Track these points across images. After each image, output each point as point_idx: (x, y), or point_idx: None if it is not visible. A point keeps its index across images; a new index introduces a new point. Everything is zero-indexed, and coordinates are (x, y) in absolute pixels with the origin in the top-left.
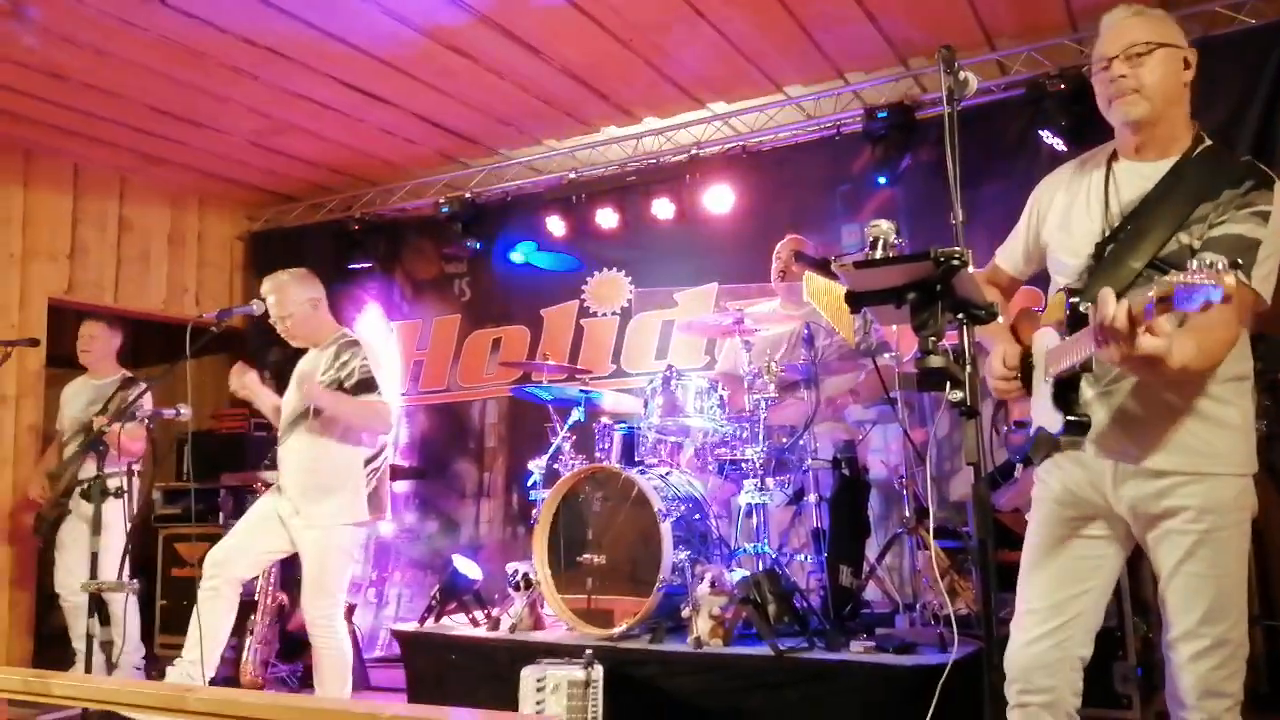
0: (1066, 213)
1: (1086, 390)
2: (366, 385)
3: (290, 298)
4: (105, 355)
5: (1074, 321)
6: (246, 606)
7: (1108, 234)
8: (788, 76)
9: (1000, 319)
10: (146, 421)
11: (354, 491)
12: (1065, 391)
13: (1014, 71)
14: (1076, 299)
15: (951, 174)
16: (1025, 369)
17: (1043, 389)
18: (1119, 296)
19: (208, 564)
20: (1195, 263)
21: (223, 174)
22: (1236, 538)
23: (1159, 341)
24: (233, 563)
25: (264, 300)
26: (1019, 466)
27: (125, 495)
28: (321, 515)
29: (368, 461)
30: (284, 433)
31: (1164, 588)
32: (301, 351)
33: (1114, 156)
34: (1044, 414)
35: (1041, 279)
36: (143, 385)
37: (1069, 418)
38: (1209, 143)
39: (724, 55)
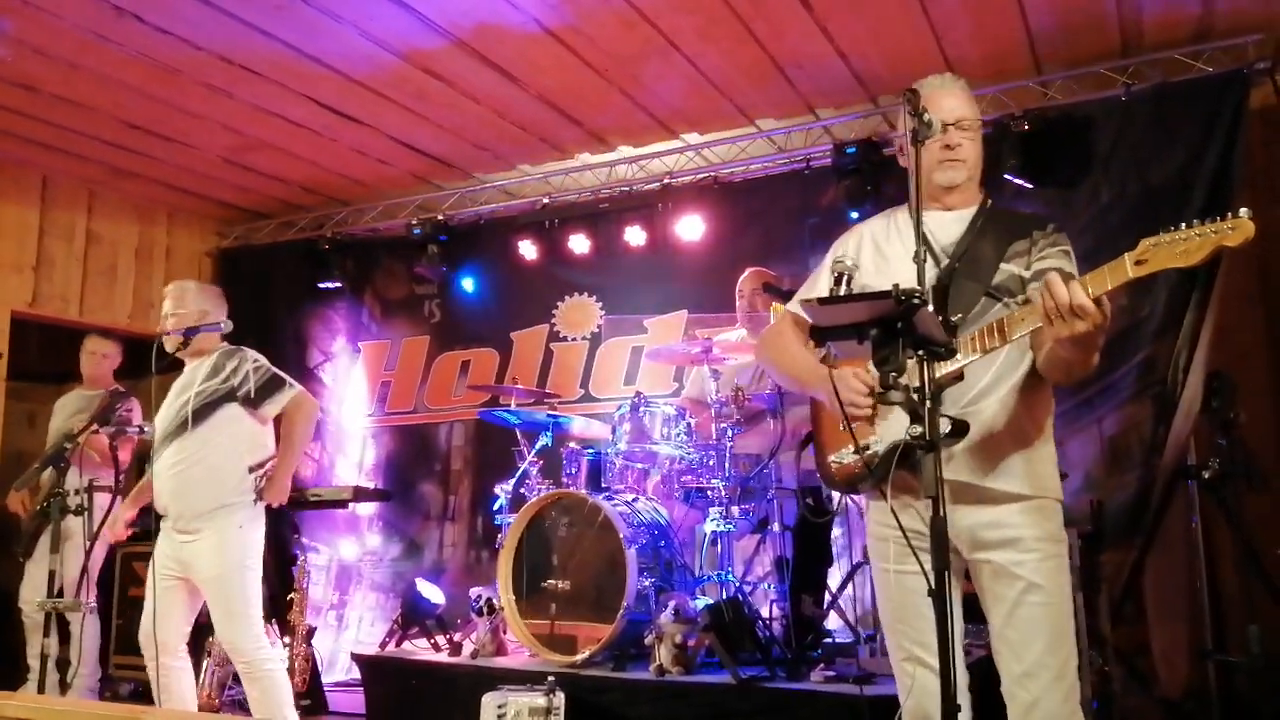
0: (884, 260)
1: (945, 410)
2: (273, 384)
3: (189, 301)
4: (110, 371)
5: None
6: (205, 628)
7: (944, 267)
8: (760, 110)
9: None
10: (110, 436)
11: (239, 497)
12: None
13: (980, 112)
14: (941, 316)
15: (914, 213)
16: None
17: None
18: (969, 314)
19: (142, 643)
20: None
21: (193, 189)
22: (1063, 568)
23: (1106, 308)
24: (163, 637)
25: (229, 319)
26: (838, 498)
27: (85, 512)
28: (211, 530)
29: (253, 469)
30: (158, 449)
31: (1006, 622)
32: None
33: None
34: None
35: None
36: (131, 398)
37: (954, 420)
38: (990, 199)
39: (698, 87)
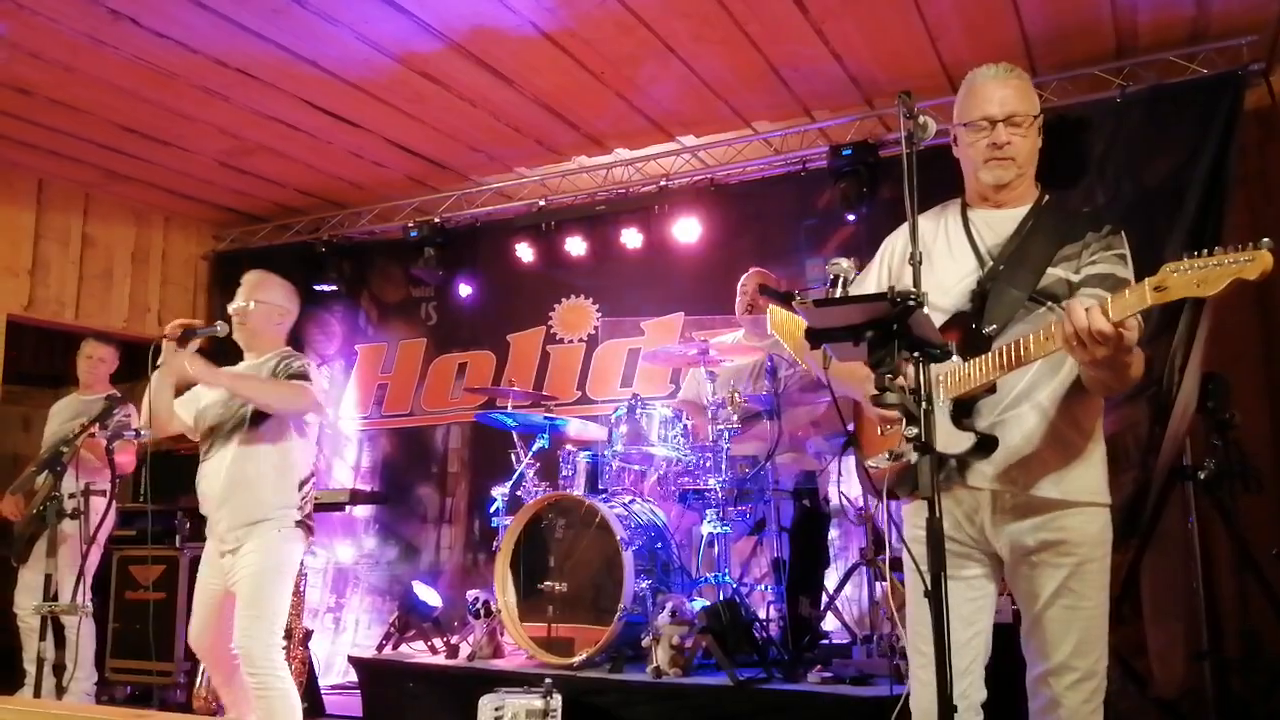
0: (928, 260)
1: (979, 420)
2: (299, 374)
3: (269, 293)
4: (107, 375)
5: (970, 344)
6: None
7: (987, 270)
8: (756, 113)
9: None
10: (107, 440)
11: (283, 512)
12: (960, 414)
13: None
14: (976, 324)
15: (910, 216)
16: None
17: (936, 412)
18: (1006, 323)
19: (193, 644)
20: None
21: (189, 193)
22: (1102, 571)
23: (1132, 335)
24: (210, 643)
25: (228, 322)
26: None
27: (82, 516)
28: (259, 531)
29: (302, 484)
30: (208, 449)
31: (1036, 621)
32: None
33: (965, 206)
34: (940, 436)
35: None
36: (129, 403)
37: (981, 434)
38: (1048, 195)
39: (694, 90)
